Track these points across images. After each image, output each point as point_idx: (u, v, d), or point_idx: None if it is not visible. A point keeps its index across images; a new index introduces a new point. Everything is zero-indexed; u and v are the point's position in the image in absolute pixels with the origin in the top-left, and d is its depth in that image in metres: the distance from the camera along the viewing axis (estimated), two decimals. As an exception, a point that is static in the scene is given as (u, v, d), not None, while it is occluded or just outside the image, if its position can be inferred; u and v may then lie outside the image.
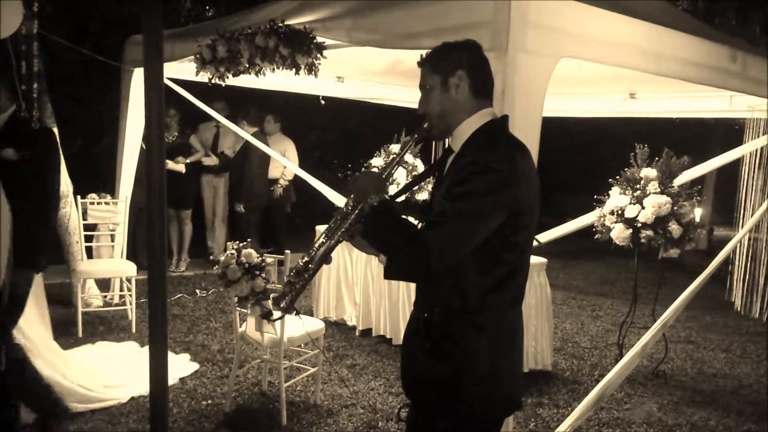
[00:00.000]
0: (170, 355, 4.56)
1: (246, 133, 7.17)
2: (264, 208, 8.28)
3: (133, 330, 5.63)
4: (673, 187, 4.73)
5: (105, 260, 6.20)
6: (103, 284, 6.48)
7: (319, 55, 4.26)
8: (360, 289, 5.75)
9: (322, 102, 6.51)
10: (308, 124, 10.58)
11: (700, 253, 8.60)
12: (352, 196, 2.09)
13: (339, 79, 6.46)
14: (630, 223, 4.70)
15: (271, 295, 3.78)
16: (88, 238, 6.05)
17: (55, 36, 5.66)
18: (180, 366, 4.79)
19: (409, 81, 6.51)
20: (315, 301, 6.15)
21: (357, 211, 2.05)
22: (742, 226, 5.88)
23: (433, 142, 6.80)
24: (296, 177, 7.65)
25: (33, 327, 3.80)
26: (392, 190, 2.33)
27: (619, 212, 4.75)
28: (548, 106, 3.44)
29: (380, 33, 3.84)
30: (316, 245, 2.11)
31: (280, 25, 4.34)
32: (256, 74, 4.59)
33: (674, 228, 4.61)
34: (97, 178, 7.47)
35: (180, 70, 5.62)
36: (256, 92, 6.55)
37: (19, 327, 3.49)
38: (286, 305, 2.08)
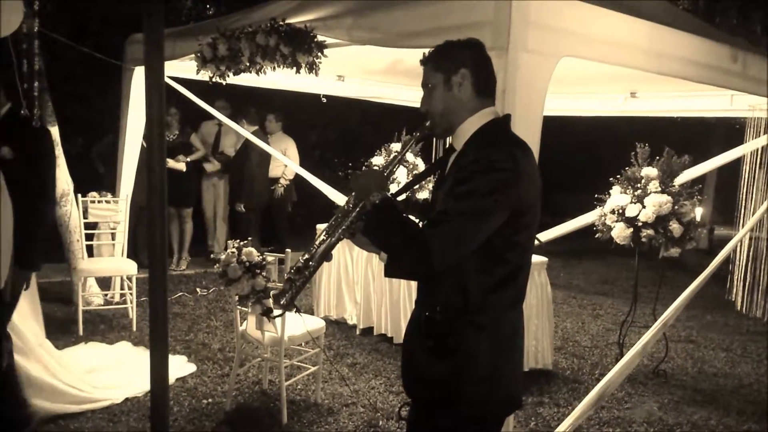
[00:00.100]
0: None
1: (246, 132, 7.18)
2: (265, 207, 8.29)
3: (134, 328, 5.63)
4: (674, 186, 4.72)
5: (106, 259, 6.20)
6: (104, 283, 6.48)
7: (319, 54, 4.26)
8: (361, 287, 5.75)
9: (324, 100, 6.50)
10: (309, 123, 10.57)
11: (700, 253, 8.60)
12: (353, 194, 2.09)
13: (340, 77, 6.45)
14: (631, 222, 4.70)
15: (272, 293, 3.79)
16: (89, 237, 6.05)
17: (56, 34, 5.66)
18: (177, 367, 4.78)
19: (409, 80, 6.51)
20: (315, 299, 6.15)
21: (358, 209, 2.06)
22: (743, 226, 5.87)
23: (434, 141, 6.80)
24: (297, 176, 7.65)
25: (26, 324, 3.80)
26: (393, 188, 2.32)
27: (620, 211, 4.75)
28: (549, 105, 3.43)
29: (381, 32, 3.84)
30: (317, 243, 2.11)
31: (281, 23, 4.34)
32: (257, 73, 4.59)
33: (675, 227, 4.61)
34: (95, 177, 7.49)
35: (181, 68, 5.62)
36: (256, 91, 6.55)
37: (12, 324, 3.48)
38: (286, 302, 2.08)
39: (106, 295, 6.37)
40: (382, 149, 6.06)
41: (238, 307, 4.09)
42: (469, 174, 1.93)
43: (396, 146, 5.99)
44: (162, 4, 1.87)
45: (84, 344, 5.17)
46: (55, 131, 5.91)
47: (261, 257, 3.94)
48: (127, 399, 4.24)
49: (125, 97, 6.26)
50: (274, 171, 8.19)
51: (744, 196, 6.61)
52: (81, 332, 5.43)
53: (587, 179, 6.62)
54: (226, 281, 3.92)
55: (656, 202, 4.60)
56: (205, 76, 4.94)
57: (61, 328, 5.50)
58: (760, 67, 4.61)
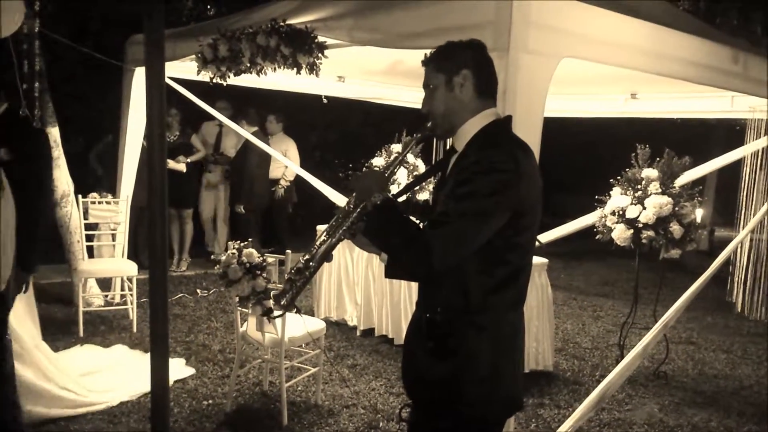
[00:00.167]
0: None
1: (246, 133, 7.18)
2: (265, 208, 8.29)
3: (134, 330, 5.63)
4: (675, 187, 4.72)
5: (106, 260, 6.20)
6: (105, 284, 6.48)
7: (320, 55, 4.27)
8: (361, 289, 5.75)
9: (325, 101, 6.50)
10: (309, 124, 10.58)
11: (701, 254, 8.59)
12: (354, 194, 2.09)
13: (340, 78, 6.46)
14: (631, 223, 4.70)
15: (272, 293, 3.79)
16: (89, 238, 6.05)
17: (57, 35, 5.66)
18: (176, 369, 4.75)
19: (410, 81, 6.51)
20: (316, 301, 6.15)
21: (359, 210, 2.05)
22: (743, 227, 5.87)
23: (434, 142, 6.80)
24: (297, 177, 7.66)
25: (23, 325, 3.78)
26: (393, 189, 2.32)
27: (620, 213, 4.75)
28: (549, 106, 3.43)
29: (381, 33, 3.84)
30: (318, 243, 2.11)
31: (282, 24, 4.34)
32: (258, 74, 4.59)
33: (675, 228, 4.61)
34: (95, 178, 7.49)
35: (181, 69, 5.62)
36: (257, 92, 6.55)
37: (9, 325, 3.47)
38: (286, 302, 2.08)
39: (106, 296, 6.37)
40: (383, 150, 6.06)
41: (239, 308, 4.08)
42: (470, 175, 1.93)
43: (396, 147, 5.99)
44: (162, 5, 1.87)
45: (80, 346, 5.14)
46: (55, 132, 5.92)
47: (261, 258, 3.94)
48: (124, 401, 4.22)
49: (126, 97, 6.26)
50: (274, 172, 8.20)
51: (744, 198, 6.60)
52: (81, 333, 5.42)
53: (587, 180, 6.63)
54: (226, 282, 3.91)
55: (657, 204, 4.60)
56: (205, 76, 4.94)
57: (62, 329, 5.50)
58: (761, 68, 4.61)
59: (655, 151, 4.91)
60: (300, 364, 4.50)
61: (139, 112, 6.11)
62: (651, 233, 4.63)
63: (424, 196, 5.78)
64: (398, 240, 1.96)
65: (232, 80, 4.89)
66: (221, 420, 4.07)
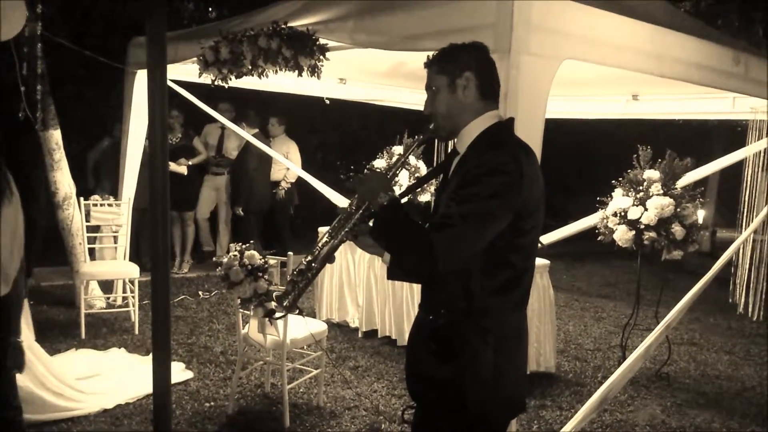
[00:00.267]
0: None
1: (248, 135, 7.19)
2: (267, 210, 8.29)
3: (136, 332, 5.63)
4: (676, 188, 4.72)
5: (108, 262, 6.20)
6: (106, 286, 6.49)
7: (321, 57, 4.27)
8: (363, 290, 5.75)
9: (327, 102, 6.51)
10: (311, 126, 10.59)
11: (702, 255, 8.59)
12: (356, 196, 2.10)
13: (341, 80, 6.46)
14: (633, 224, 4.69)
15: (274, 294, 3.79)
16: (91, 240, 6.06)
17: (58, 37, 5.68)
18: (174, 372, 4.74)
19: (411, 83, 6.52)
20: (317, 302, 6.15)
21: (361, 211, 2.06)
22: (745, 228, 5.87)
23: (436, 144, 6.81)
24: (299, 179, 7.66)
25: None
26: (395, 191, 2.32)
27: (622, 214, 4.75)
28: (551, 107, 3.44)
29: (383, 35, 3.84)
30: (320, 245, 2.11)
31: (283, 26, 4.34)
32: (259, 76, 4.59)
33: (677, 230, 4.60)
34: (91, 183, 7.48)
35: (183, 71, 5.63)
36: (259, 94, 6.56)
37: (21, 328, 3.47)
38: (289, 304, 2.09)
39: (108, 298, 6.38)
40: (384, 152, 6.07)
41: (240, 310, 4.09)
42: (473, 177, 1.94)
43: (398, 149, 6.00)
44: (164, 8, 1.87)
45: (75, 350, 5.10)
46: (57, 134, 5.93)
47: (263, 260, 3.94)
48: (123, 404, 4.21)
49: (127, 100, 6.26)
50: (276, 174, 8.20)
51: (746, 199, 6.60)
52: (83, 335, 5.43)
53: (589, 182, 6.63)
54: (228, 284, 3.91)
55: (658, 205, 4.60)
56: (207, 79, 4.94)
57: (63, 332, 5.50)
58: (762, 70, 4.61)
59: (657, 152, 4.91)
60: (302, 366, 4.50)
61: (141, 114, 6.12)
62: (653, 234, 4.63)
63: (425, 197, 5.79)
64: (403, 241, 1.96)
65: (234, 83, 4.89)
66: (223, 422, 4.07)
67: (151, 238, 1.90)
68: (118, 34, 7.00)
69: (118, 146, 6.74)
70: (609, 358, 5.60)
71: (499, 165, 1.93)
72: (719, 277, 4.41)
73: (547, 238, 4.79)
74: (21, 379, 3.61)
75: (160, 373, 1.95)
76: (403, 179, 5.81)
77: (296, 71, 4.34)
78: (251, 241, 4.13)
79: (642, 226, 4.65)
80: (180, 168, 7.57)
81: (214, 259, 7.53)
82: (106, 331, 5.65)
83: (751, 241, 6.64)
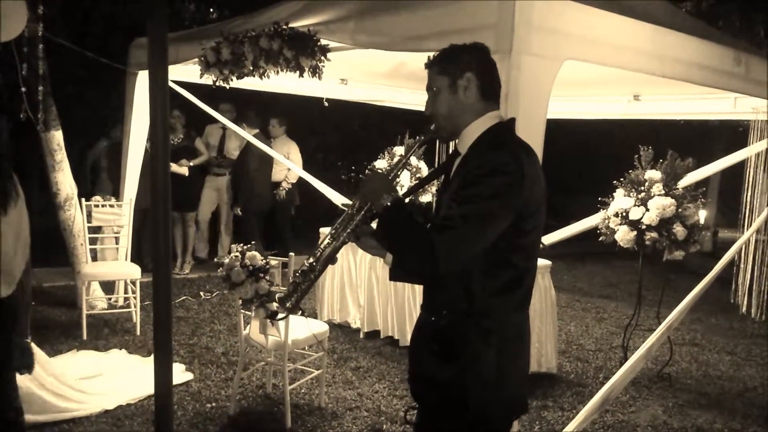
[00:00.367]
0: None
1: (249, 135, 7.19)
2: (268, 210, 8.29)
3: (138, 332, 5.63)
4: (678, 189, 4.71)
5: (109, 263, 6.20)
6: (108, 287, 6.49)
7: (323, 58, 4.27)
8: (364, 290, 5.75)
9: (326, 104, 6.52)
10: (312, 126, 10.59)
11: (704, 256, 8.58)
12: (358, 197, 2.10)
13: (343, 81, 6.47)
14: (634, 225, 4.69)
15: (277, 296, 3.79)
16: (93, 241, 6.06)
17: (60, 38, 5.68)
18: (174, 374, 4.73)
19: (412, 83, 6.53)
20: (319, 303, 6.15)
21: (363, 212, 2.06)
22: (747, 228, 5.87)
23: (437, 145, 6.81)
24: (300, 179, 7.66)
25: None
26: (398, 192, 2.32)
27: (624, 214, 4.74)
28: (552, 108, 3.44)
29: (384, 35, 3.85)
30: (322, 246, 2.11)
31: (284, 27, 4.35)
32: (260, 77, 4.60)
33: (679, 230, 4.60)
34: (96, 181, 7.48)
35: (184, 72, 5.63)
36: (260, 95, 6.56)
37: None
38: (291, 305, 2.09)
39: (110, 299, 6.38)
40: (385, 152, 6.07)
41: (242, 311, 4.09)
42: (474, 178, 1.94)
43: (399, 150, 6.00)
44: (166, 9, 1.87)
45: (75, 352, 5.09)
46: (59, 135, 5.94)
47: (264, 261, 3.94)
48: (124, 405, 4.21)
49: (129, 101, 6.27)
50: (277, 175, 8.20)
51: (748, 199, 6.60)
52: (85, 336, 5.43)
53: (590, 182, 6.62)
54: (229, 285, 3.91)
55: (660, 205, 4.60)
56: (208, 80, 4.94)
57: (65, 333, 5.50)
58: (763, 70, 4.61)
59: (658, 152, 4.91)
60: (303, 367, 4.50)
61: (142, 115, 6.13)
62: (654, 235, 4.63)
63: (426, 198, 5.79)
64: (405, 242, 1.96)
65: (235, 83, 4.89)
66: (224, 423, 4.07)
67: (153, 238, 1.90)
68: (120, 35, 7.00)
69: (116, 147, 6.75)
70: (610, 359, 5.60)
71: (500, 165, 1.93)
72: (721, 278, 4.41)
73: (548, 239, 4.79)
74: (21, 380, 3.60)
75: (162, 373, 1.95)
76: (405, 180, 5.81)
77: (297, 72, 4.35)
78: (252, 242, 4.13)
79: (643, 227, 4.65)
80: (181, 169, 7.57)
81: (215, 259, 7.54)
82: (107, 332, 5.65)
83: (753, 241, 6.65)
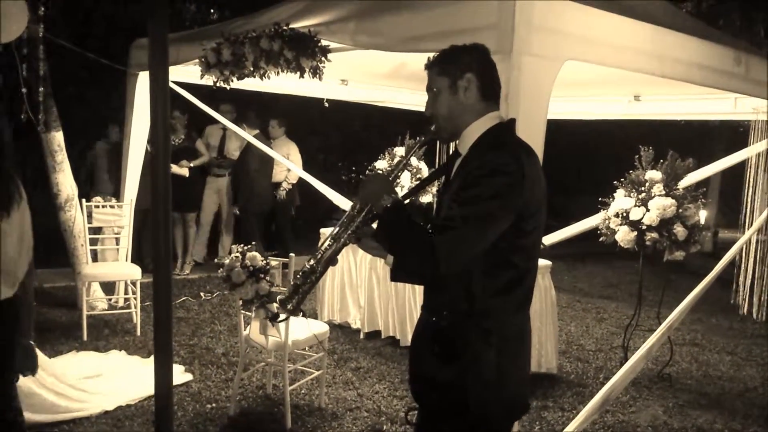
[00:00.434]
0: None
1: (249, 136, 7.19)
2: (268, 211, 8.29)
3: (138, 333, 5.63)
4: (678, 189, 4.71)
5: (110, 263, 6.21)
6: (108, 287, 6.49)
7: (323, 58, 4.27)
8: (364, 291, 5.75)
9: (326, 104, 6.52)
10: (312, 127, 10.60)
11: (705, 256, 8.58)
12: (358, 198, 2.10)
13: (343, 82, 6.47)
14: (635, 225, 4.69)
15: (278, 297, 3.79)
16: (93, 242, 6.06)
17: (60, 39, 5.68)
18: (174, 375, 4.73)
19: (413, 84, 6.52)
20: (319, 304, 6.15)
21: (364, 213, 2.06)
22: (747, 228, 5.87)
23: (438, 145, 6.81)
24: (300, 180, 7.66)
25: None
26: (398, 193, 2.33)
27: (624, 215, 4.74)
28: (552, 108, 3.44)
29: (384, 36, 3.85)
30: (323, 248, 2.11)
31: (285, 28, 4.35)
32: (261, 77, 4.60)
33: (679, 230, 4.60)
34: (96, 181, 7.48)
35: (185, 73, 5.63)
36: (260, 95, 6.57)
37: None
38: (292, 307, 2.09)
39: (110, 299, 6.38)
40: (386, 153, 6.07)
41: (242, 311, 4.09)
42: (474, 178, 1.94)
43: (399, 150, 6.00)
44: (167, 9, 1.88)
45: (75, 352, 5.09)
46: (59, 136, 5.94)
47: (265, 261, 3.94)
48: (124, 406, 4.21)
49: (129, 101, 6.27)
50: (277, 175, 8.20)
51: (748, 199, 6.61)
52: (85, 337, 5.43)
53: (591, 182, 6.62)
54: (230, 286, 3.91)
55: (660, 206, 4.60)
56: (209, 80, 4.95)
57: (65, 333, 5.50)
58: (763, 70, 4.61)
59: (659, 152, 4.91)
60: (303, 368, 4.50)
61: (143, 116, 6.13)
62: (655, 235, 4.63)
63: (427, 198, 5.79)
64: (406, 243, 1.96)
65: (236, 84, 4.89)
66: (225, 423, 4.07)
67: (153, 239, 1.90)
68: (120, 36, 7.01)
69: (115, 147, 6.74)
70: (611, 359, 5.60)
71: (500, 166, 1.93)
72: (721, 278, 4.40)
73: (548, 239, 4.79)
74: (22, 379, 3.61)
75: (162, 374, 1.95)
76: (405, 181, 5.81)
77: (298, 73, 4.35)
78: (253, 243, 4.13)
79: (644, 227, 4.65)
80: (182, 170, 7.57)
81: (216, 260, 7.54)
82: (107, 333, 5.65)
83: (754, 241, 6.66)
